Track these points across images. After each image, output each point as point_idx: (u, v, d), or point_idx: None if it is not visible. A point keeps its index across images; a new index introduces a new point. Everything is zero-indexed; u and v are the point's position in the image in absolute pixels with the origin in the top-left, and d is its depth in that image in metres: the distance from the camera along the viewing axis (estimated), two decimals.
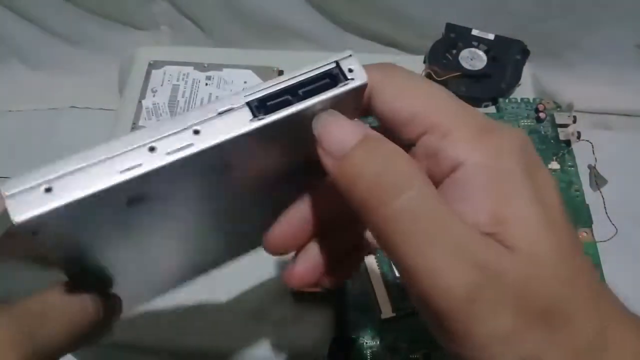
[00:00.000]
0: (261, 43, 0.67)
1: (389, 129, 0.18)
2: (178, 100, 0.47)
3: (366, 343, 0.37)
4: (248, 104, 0.17)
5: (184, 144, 0.16)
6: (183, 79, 0.49)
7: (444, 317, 0.16)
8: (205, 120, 0.16)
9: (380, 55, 0.59)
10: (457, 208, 0.16)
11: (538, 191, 0.17)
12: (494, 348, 0.15)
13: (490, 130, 0.17)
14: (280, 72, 0.49)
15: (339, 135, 0.17)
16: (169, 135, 0.16)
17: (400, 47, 0.61)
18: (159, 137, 0.16)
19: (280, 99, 0.17)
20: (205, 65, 0.49)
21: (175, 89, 0.48)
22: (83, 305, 0.19)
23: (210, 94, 0.48)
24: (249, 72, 0.49)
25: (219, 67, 0.49)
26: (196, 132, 0.16)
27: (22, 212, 0.15)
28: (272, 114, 0.17)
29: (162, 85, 0.48)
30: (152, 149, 0.16)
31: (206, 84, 0.48)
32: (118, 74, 0.56)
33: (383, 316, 0.37)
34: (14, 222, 0.15)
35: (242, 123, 0.16)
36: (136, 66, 0.51)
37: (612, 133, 0.53)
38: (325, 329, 0.38)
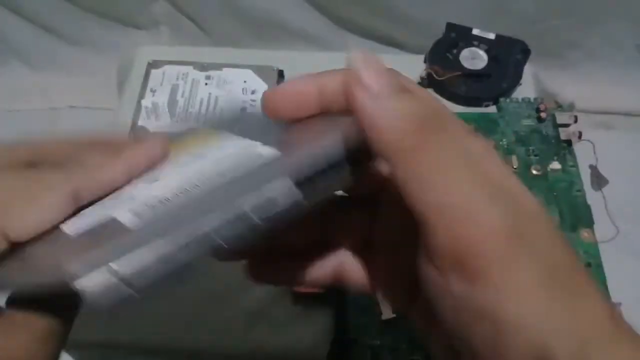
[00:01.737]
0: (261, 43, 0.67)
1: None
2: (177, 100, 0.47)
3: (366, 344, 0.37)
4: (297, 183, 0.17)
5: (241, 231, 0.17)
6: (182, 79, 0.48)
7: (480, 260, 0.15)
8: (258, 208, 0.17)
9: (380, 55, 0.58)
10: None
11: None
12: (523, 300, 0.15)
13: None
14: (280, 72, 0.49)
15: (379, 79, 0.17)
16: (225, 224, 0.17)
17: (400, 46, 0.61)
18: (214, 225, 0.16)
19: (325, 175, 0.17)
20: (205, 64, 0.49)
21: (174, 88, 0.48)
22: (70, 319, 0.19)
23: (210, 93, 0.48)
24: (249, 71, 0.49)
25: (218, 66, 0.49)
26: (249, 219, 0.17)
27: (92, 299, 0.16)
28: (316, 195, 0.18)
29: (161, 84, 0.48)
30: (206, 235, 0.16)
31: (206, 84, 0.48)
32: (117, 74, 0.56)
33: (383, 317, 0.37)
34: (85, 305, 0.16)
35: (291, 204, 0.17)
36: (135, 66, 0.51)
37: (614, 133, 0.53)
38: (325, 330, 0.38)
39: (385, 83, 0.17)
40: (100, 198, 0.19)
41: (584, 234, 0.42)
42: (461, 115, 0.47)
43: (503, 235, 0.15)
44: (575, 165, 0.45)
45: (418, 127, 0.16)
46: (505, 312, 0.15)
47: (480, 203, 0.15)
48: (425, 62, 0.51)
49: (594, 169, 0.45)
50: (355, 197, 0.22)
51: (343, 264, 0.22)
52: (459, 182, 0.15)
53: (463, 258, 0.15)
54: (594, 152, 0.45)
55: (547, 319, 0.14)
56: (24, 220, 0.17)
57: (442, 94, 0.49)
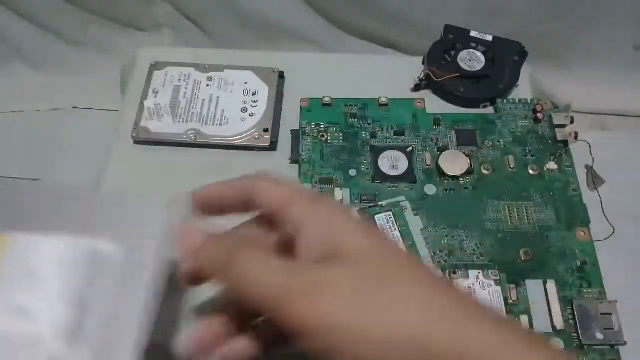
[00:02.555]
0: (261, 44, 0.67)
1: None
2: (179, 101, 0.48)
3: None
4: None
5: None
6: (184, 80, 0.49)
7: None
8: None
9: (379, 57, 0.59)
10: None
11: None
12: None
13: (317, 197, 0.24)
14: (280, 73, 0.50)
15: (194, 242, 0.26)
16: None
17: (399, 48, 0.62)
18: None
19: None
20: (207, 66, 0.50)
21: (176, 89, 0.49)
22: None
23: (211, 94, 0.48)
24: (250, 73, 0.50)
25: (219, 68, 0.50)
26: None
27: None
28: None
29: (163, 86, 0.49)
30: None
31: (207, 85, 0.49)
32: (120, 75, 0.57)
33: None
34: None
35: None
36: (138, 67, 0.51)
37: (609, 133, 0.53)
38: None
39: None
40: None
41: (580, 233, 0.42)
42: (459, 117, 0.48)
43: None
44: (572, 166, 0.45)
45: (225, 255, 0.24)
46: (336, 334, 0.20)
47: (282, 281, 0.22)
48: (423, 63, 0.52)
49: (590, 169, 0.45)
50: None
51: None
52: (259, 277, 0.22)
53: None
54: (590, 153, 0.45)
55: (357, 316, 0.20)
56: None
57: (440, 96, 0.50)
